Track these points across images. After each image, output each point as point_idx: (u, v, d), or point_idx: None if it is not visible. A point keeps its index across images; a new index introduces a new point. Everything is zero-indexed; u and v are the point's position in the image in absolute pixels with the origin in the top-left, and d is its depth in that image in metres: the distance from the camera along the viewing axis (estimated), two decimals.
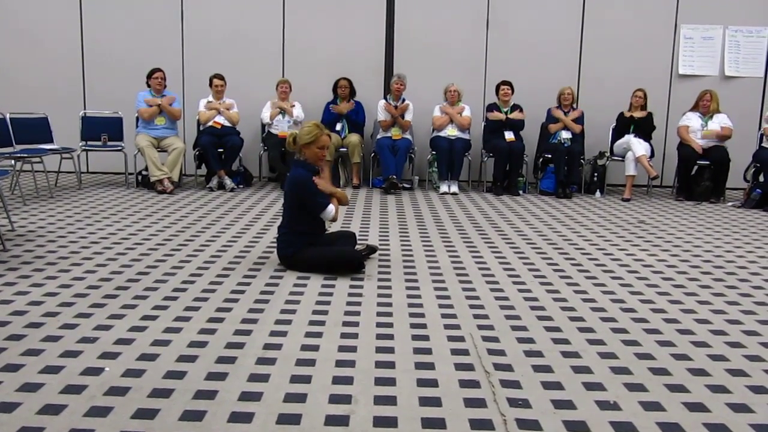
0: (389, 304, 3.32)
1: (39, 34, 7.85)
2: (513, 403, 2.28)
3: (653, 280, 3.90)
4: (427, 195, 7.06)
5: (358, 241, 4.33)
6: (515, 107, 7.40)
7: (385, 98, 7.53)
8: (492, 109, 7.39)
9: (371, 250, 4.27)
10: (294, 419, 2.13)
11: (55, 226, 4.94)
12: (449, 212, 6.01)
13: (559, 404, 2.28)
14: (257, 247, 4.48)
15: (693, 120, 7.12)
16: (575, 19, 7.83)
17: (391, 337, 2.88)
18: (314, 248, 3.90)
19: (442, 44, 7.85)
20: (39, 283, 3.51)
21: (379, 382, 2.42)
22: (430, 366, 2.58)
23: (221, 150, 7.03)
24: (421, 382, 2.42)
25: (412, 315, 3.17)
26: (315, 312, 3.18)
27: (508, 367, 2.58)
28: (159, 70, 7.01)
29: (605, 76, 7.85)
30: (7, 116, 6.41)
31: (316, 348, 2.73)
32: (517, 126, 7.31)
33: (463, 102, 7.44)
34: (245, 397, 2.28)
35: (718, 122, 7.04)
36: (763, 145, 6.92)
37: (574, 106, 7.47)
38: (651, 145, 7.19)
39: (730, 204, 6.79)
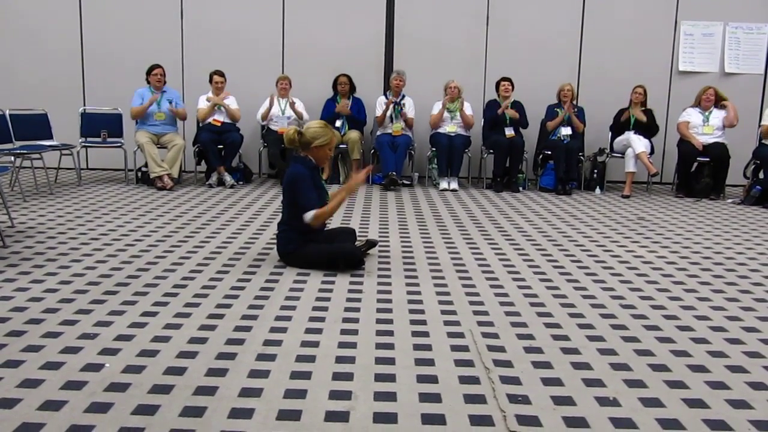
0: (389, 301, 3.32)
1: (39, 30, 7.83)
2: (513, 399, 2.29)
3: (653, 276, 3.90)
4: (427, 191, 7.06)
5: (358, 238, 4.33)
6: (516, 104, 7.39)
7: (385, 95, 7.53)
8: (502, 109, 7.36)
9: (371, 244, 4.27)
10: (294, 415, 2.14)
11: (54, 223, 4.94)
12: (449, 209, 6.01)
13: (558, 400, 2.29)
14: (257, 244, 4.48)
15: (693, 116, 7.12)
16: (575, 16, 7.82)
17: (390, 333, 2.88)
18: (314, 245, 3.90)
19: (442, 40, 7.84)
20: (39, 280, 3.51)
21: (379, 378, 2.42)
22: (430, 362, 2.58)
23: (221, 146, 7.03)
24: (421, 378, 2.43)
25: (411, 311, 3.17)
26: (315, 308, 3.19)
27: (507, 364, 2.58)
28: (158, 66, 6.99)
29: (605, 72, 7.84)
30: (7, 112, 6.40)
31: (316, 344, 2.73)
32: (519, 123, 7.31)
33: (463, 98, 7.42)
34: (245, 393, 2.28)
35: (719, 117, 7.03)
36: (763, 141, 6.92)
37: (574, 102, 7.46)
38: (651, 141, 7.19)
39: (729, 201, 6.79)
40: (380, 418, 2.13)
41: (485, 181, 7.52)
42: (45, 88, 7.80)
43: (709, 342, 2.88)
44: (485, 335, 2.88)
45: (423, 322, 3.02)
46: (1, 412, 2.11)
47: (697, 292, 3.60)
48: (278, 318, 3.04)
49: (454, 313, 3.17)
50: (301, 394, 2.29)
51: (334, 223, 5.07)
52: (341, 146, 7.36)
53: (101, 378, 2.36)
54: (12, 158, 6.15)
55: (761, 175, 6.79)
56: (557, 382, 2.43)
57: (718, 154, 6.89)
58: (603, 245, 4.67)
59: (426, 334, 2.88)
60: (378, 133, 7.46)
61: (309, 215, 3.80)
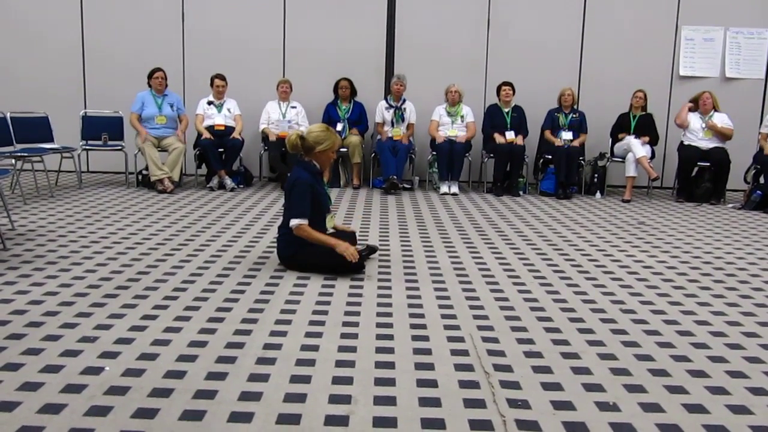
0: (389, 305, 3.32)
1: (40, 33, 7.85)
2: (512, 403, 2.29)
3: (653, 281, 3.90)
4: (428, 195, 7.06)
5: (359, 241, 4.33)
6: (517, 109, 7.40)
7: (386, 99, 7.54)
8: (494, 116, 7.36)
9: (371, 250, 4.27)
10: (294, 419, 2.14)
11: (55, 226, 4.95)
12: (449, 213, 6.01)
13: (558, 405, 2.28)
14: (257, 247, 4.48)
15: (693, 120, 7.12)
16: (576, 20, 7.83)
17: (390, 337, 2.88)
18: (314, 248, 3.89)
19: (443, 45, 7.85)
20: (39, 282, 3.51)
21: (379, 382, 2.42)
22: (430, 366, 2.58)
23: (221, 150, 7.04)
24: (421, 383, 2.43)
25: (412, 315, 3.17)
26: (315, 312, 3.18)
27: (507, 368, 2.58)
28: (160, 69, 7.01)
29: (606, 77, 7.86)
30: (8, 115, 6.41)
31: (315, 348, 2.73)
32: (519, 129, 7.33)
33: (464, 102, 7.44)
34: (245, 396, 2.28)
35: (719, 121, 7.04)
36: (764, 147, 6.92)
37: (575, 107, 7.47)
38: (651, 146, 7.20)
39: (730, 206, 6.79)
40: (380, 422, 2.13)
41: (486, 185, 7.53)
42: (46, 91, 7.82)
43: (709, 347, 2.87)
44: (485, 339, 2.88)
45: (423, 327, 3.02)
46: (0, 415, 2.11)
47: (697, 297, 3.60)
48: (278, 322, 3.04)
49: (454, 317, 3.17)
50: (300, 398, 2.28)
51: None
52: (342, 150, 7.37)
53: (101, 381, 2.36)
54: (13, 161, 6.16)
55: (762, 180, 6.79)
56: (557, 386, 2.43)
57: (719, 158, 6.89)
58: (603, 250, 4.67)
59: (426, 339, 2.87)
60: (378, 137, 7.46)
61: (295, 222, 3.80)
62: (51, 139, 6.83)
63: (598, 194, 7.28)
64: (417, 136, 7.65)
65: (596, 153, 7.54)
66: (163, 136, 6.95)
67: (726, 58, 7.88)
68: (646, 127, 7.21)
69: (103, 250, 4.25)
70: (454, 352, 2.73)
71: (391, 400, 2.28)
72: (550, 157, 7.28)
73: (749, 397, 2.39)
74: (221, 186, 7.01)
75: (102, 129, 7.14)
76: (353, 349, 2.73)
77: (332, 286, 3.60)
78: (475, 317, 3.17)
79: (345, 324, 3.03)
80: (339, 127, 7.40)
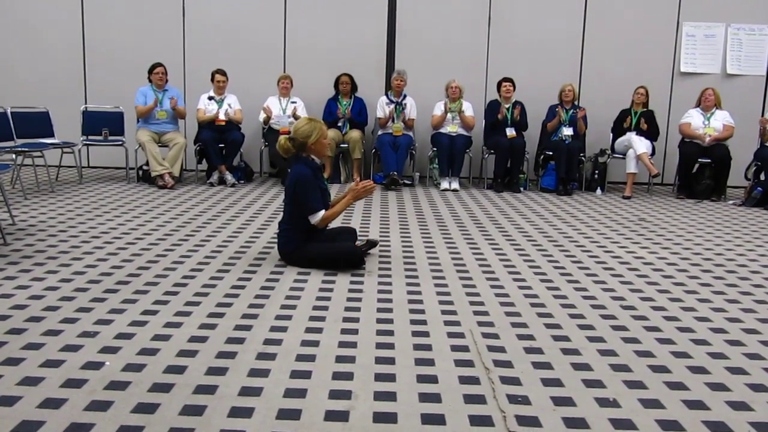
0: (389, 300, 3.32)
1: (40, 28, 7.84)
2: (513, 399, 2.29)
3: (653, 277, 3.90)
4: (428, 191, 7.06)
5: (359, 237, 4.33)
6: (517, 104, 7.39)
7: (386, 95, 7.52)
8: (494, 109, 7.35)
9: (371, 244, 4.28)
10: (294, 414, 2.14)
11: (55, 221, 4.95)
12: (450, 209, 6.01)
13: (558, 401, 2.28)
14: (258, 243, 4.48)
15: (695, 117, 7.11)
16: (577, 16, 7.81)
17: (391, 333, 2.88)
18: (315, 244, 3.90)
19: (444, 40, 7.83)
20: (39, 277, 3.51)
21: (379, 377, 2.42)
22: (430, 362, 2.58)
23: (222, 145, 7.03)
24: (421, 378, 2.43)
25: (412, 311, 3.17)
26: (315, 308, 3.19)
27: (507, 364, 2.58)
28: (160, 65, 7.00)
29: (607, 73, 7.84)
30: (8, 110, 6.41)
31: (316, 343, 2.73)
32: (519, 125, 7.31)
33: (464, 98, 7.42)
34: (245, 392, 2.28)
35: (721, 119, 7.03)
36: (764, 143, 6.91)
37: (576, 103, 7.45)
38: (652, 143, 7.19)
39: (730, 202, 6.79)
40: (380, 417, 2.13)
41: (486, 181, 7.52)
42: (46, 86, 7.80)
43: (710, 343, 2.88)
44: (485, 335, 2.88)
45: (423, 322, 3.02)
46: (1, 409, 2.11)
47: (698, 294, 3.60)
48: (278, 317, 3.04)
49: (454, 313, 3.17)
50: (301, 393, 2.29)
51: (335, 222, 5.06)
52: (342, 145, 7.37)
53: (101, 376, 2.36)
54: (13, 156, 6.15)
55: (762, 177, 6.78)
56: (557, 382, 2.43)
57: (720, 155, 6.89)
58: (604, 246, 4.67)
59: (426, 334, 2.88)
60: (379, 132, 7.46)
61: (317, 217, 3.83)
62: (51, 134, 6.83)
63: (598, 191, 7.28)
64: (417, 132, 7.65)
65: (597, 149, 7.54)
66: (164, 131, 6.95)
67: (727, 54, 7.87)
68: (647, 124, 7.19)
69: (103, 246, 4.25)
70: (455, 348, 2.73)
71: (391, 396, 2.28)
72: (550, 153, 7.27)
73: (749, 394, 2.39)
74: (222, 181, 7.00)
75: (102, 124, 7.13)
76: (353, 345, 2.73)
77: (332, 282, 3.60)
78: (476, 313, 3.17)
79: (345, 320, 3.03)
80: (339, 123, 7.39)
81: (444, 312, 3.17)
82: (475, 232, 5.00)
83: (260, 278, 3.65)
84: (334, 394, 2.28)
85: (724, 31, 7.84)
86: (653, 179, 7.31)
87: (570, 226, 5.34)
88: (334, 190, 6.72)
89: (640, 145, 7.01)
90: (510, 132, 7.24)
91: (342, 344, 2.73)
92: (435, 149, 7.41)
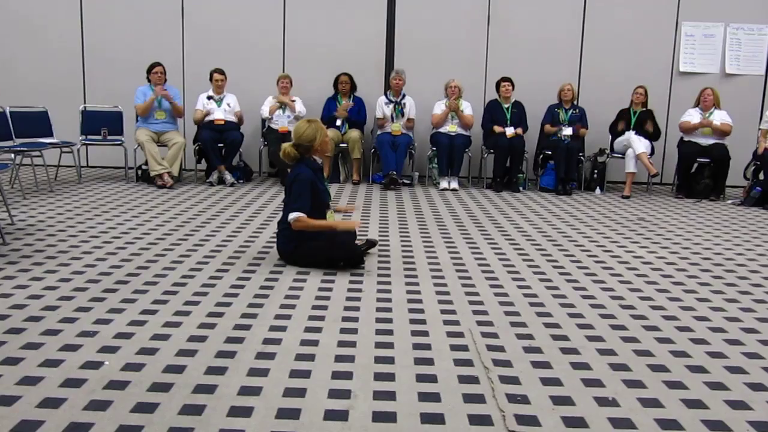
0: (389, 300, 3.32)
1: (39, 27, 7.83)
2: (512, 398, 2.29)
3: (652, 277, 3.90)
4: (427, 191, 7.06)
5: (358, 236, 4.33)
6: (516, 105, 7.39)
7: (386, 94, 7.52)
8: (493, 108, 7.35)
9: (370, 244, 4.28)
10: (293, 414, 2.14)
11: (54, 220, 4.94)
12: (449, 208, 6.01)
13: (557, 400, 2.29)
14: (257, 242, 4.48)
15: (694, 116, 7.12)
16: (576, 16, 7.81)
17: (390, 332, 2.88)
18: (314, 243, 3.89)
19: (443, 40, 7.83)
20: (38, 277, 3.51)
21: (379, 377, 2.43)
22: (430, 361, 2.58)
23: (221, 145, 7.03)
24: (421, 378, 2.43)
25: (411, 311, 3.17)
26: (314, 307, 3.19)
27: (507, 363, 2.58)
28: (159, 64, 6.99)
29: (606, 73, 7.84)
30: (7, 110, 6.40)
31: (315, 343, 2.73)
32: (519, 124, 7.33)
33: (463, 98, 7.42)
34: (245, 391, 2.28)
35: (719, 119, 7.04)
36: (765, 145, 6.91)
37: (575, 102, 7.46)
38: (651, 142, 7.19)
39: (729, 202, 6.79)
40: (379, 417, 2.14)
41: (485, 180, 7.52)
42: (45, 86, 7.80)
43: (709, 343, 2.88)
44: (485, 335, 2.88)
45: (422, 322, 3.02)
46: (0, 409, 2.11)
47: (697, 293, 3.60)
48: (278, 317, 3.04)
49: (453, 312, 3.17)
50: (300, 392, 2.29)
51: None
52: (341, 145, 7.37)
53: (100, 376, 2.36)
54: (12, 155, 6.15)
55: (761, 176, 6.78)
56: (556, 382, 2.43)
57: (719, 154, 6.89)
58: (603, 245, 4.67)
59: (425, 334, 2.88)
60: (378, 132, 7.45)
61: (293, 215, 3.79)
62: (50, 134, 6.82)
63: (597, 190, 7.28)
64: (417, 131, 7.64)
65: (596, 149, 7.54)
66: (163, 131, 6.94)
67: (726, 54, 7.87)
68: (646, 123, 7.20)
69: (102, 245, 4.25)
70: (454, 348, 2.73)
71: (390, 395, 2.28)
72: (549, 152, 7.28)
73: (748, 393, 2.39)
74: (221, 181, 7.00)
75: (101, 124, 7.12)
76: (353, 344, 2.73)
77: (332, 282, 3.60)
78: (475, 312, 3.17)
79: (344, 319, 3.03)
80: (338, 122, 7.39)
81: (443, 311, 3.18)
82: (474, 232, 5.00)
83: (260, 278, 3.65)
84: (334, 394, 2.28)
85: (723, 30, 7.84)
86: (652, 179, 7.32)
87: (569, 226, 5.34)
88: (332, 191, 6.72)
89: (639, 144, 7.02)
90: (510, 131, 7.24)
91: (341, 344, 2.73)
92: (434, 149, 7.41)
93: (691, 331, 3.01)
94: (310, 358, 2.58)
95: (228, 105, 7.19)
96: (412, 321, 3.03)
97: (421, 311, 3.17)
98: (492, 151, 7.31)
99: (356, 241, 4.19)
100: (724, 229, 5.37)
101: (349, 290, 3.47)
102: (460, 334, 2.88)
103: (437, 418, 2.14)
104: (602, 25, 7.81)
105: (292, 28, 7.86)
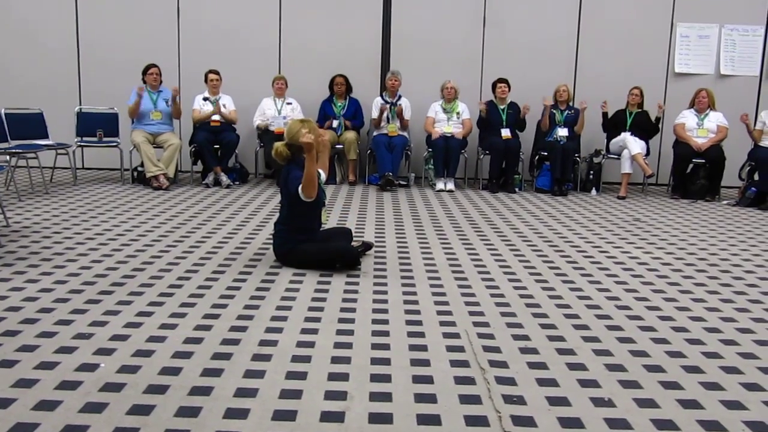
0: (385, 301, 3.32)
1: (34, 29, 7.81)
2: (508, 399, 2.29)
3: (648, 277, 3.91)
4: (423, 192, 7.06)
5: (354, 238, 4.33)
6: (512, 106, 7.40)
7: (381, 95, 7.53)
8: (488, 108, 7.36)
9: (367, 247, 4.28)
10: (289, 415, 2.14)
11: (50, 222, 4.93)
12: (445, 209, 6.02)
13: (553, 401, 2.29)
14: (253, 244, 4.47)
15: (689, 118, 7.14)
16: (572, 17, 7.83)
17: (386, 333, 2.88)
18: (310, 245, 3.89)
19: (439, 41, 7.84)
20: (34, 279, 3.50)
21: (375, 378, 2.42)
22: (426, 363, 2.58)
23: (217, 146, 7.02)
24: (417, 379, 2.43)
25: (407, 312, 3.17)
26: (311, 308, 3.18)
27: (503, 364, 2.59)
28: (154, 65, 6.99)
29: (601, 74, 7.86)
30: (2, 111, 6.38)
31: (311, 344, 2.73)
32: (517, 125, 7.33)
33: (459, 99, 7.43)
34: (240, 393, 2.28)
35: (714, 120, 7.06)
36: (758, 144, 6.94)
37: (571, 104, 7.47)
38: (647, 143, 7.21)
39: (725, 202, 6.81)
40: (376, 418, 2.13)
41: (481, 181, 7.53)
42: (41, 87, 7.78)
43: (704, 343, 2.88)
44: (481, 336, 2.88)
45: (419, 323, 3.03)
46: None
47: (692, 294, 3.61)
48: (274, 318, 3.04)
49: (449, 313, 3.17)
50: (296, 394, 2.28)
51: (330, 223, 5.07)
52: (338, 146, 7.37)
53: (96, 378, 2.36)
54: (7, 157, 6.13)
55: (756, 177, 6.81)
56: (552, 382, 2.43)
57: (714, 155, 6.91)
58: (599, 246, 4.68)
59: (422, 335, 2.88)
60: (374, 133, 7.46)
61: (300, 191, 3.72)
62: (46, 136, 6.81)
63: (593, 191, 7.30)
64: (413, 132, 7.65)
65: (592, 150, 7.56)
66: (159, 132, 6.93)
67: (721, 55, 7.90)
68: (642, 125, 7.22)
69: (98, 247, 4.24)
70: (450, 349, 2.73)
71: (386, 396, 2.28)
72: (545, 153, 7.29)
73: (744, 393, 2.40)
74: (217, 182, 6.99)
75: (97, 125, 7.11)
76: (349, 346, 2.73)
77: (328, 283, 3.60)
78: (471, 313, 3.17)
79: (341, 320, 3.03)
80: (335, 124, 7.40)
81: (439, 312, 3.18)
82: (470, 233, 5.01)
83: (256, 279, 3.64)
84: (330, 395, 2.28)
85: (718, 31, 7.87)
86: (648, 179, 7.34)
87: (565, 227, 5.35)
88: (330, 191, 6.72)
89: (634, 145, 7.03)
90: (505, 133, 7.25)
91: (337, 345, 2.73)
92: (430, 150, 7.41)
93: (687, 332, 3.01)
94: (306, 359, 2.58)
95: (223, 106, 7.18)
96: (408, 322, 3.03)
97: (418, 312, 3.17)
98: (488, 152, 7.32)
99: (352, 242, 4.20)
100: (720, 230, 5.39)
101: (345, 291, 3.46)
102: (456, 335, 2.88)
103: (433, 419, 2.14)
104: (598, 25, 7.83)
105: (287, 28, 7.86)
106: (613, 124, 7.36)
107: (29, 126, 6.73)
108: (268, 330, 2.88)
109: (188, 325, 2.92)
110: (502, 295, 3.48)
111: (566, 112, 7.36)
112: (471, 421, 2.14)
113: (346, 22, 7.84)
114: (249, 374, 2.43)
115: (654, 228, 5.40)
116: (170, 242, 4.44)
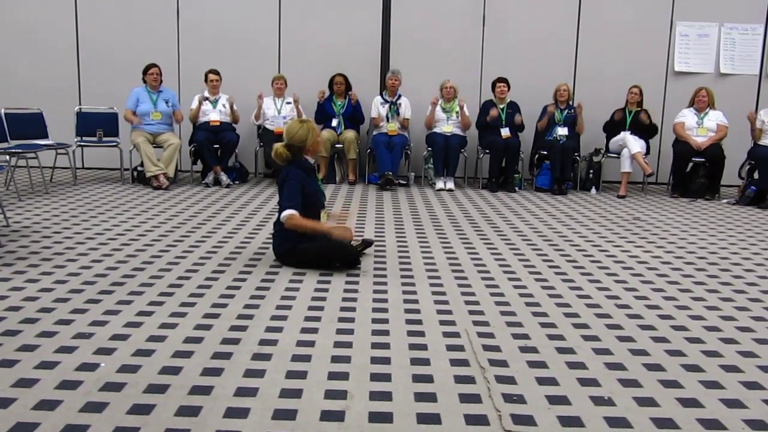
0: (385, 300, 3.32)
1: (34, 28, 7.81)
2: (508, 398, 2.29)
3: (648, 276, 3.91)
4: (423, 191, 7.06)
5: (354, 237, 4.33)
6: (512, 105, 7.40)
7: (381, 94, 7.53)
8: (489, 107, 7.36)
9: (366, 244, 4.27)
10: (289, 414, 2.14)
11: (50, 222, 4.93)
12: (445, 209, 6.02)
13: (553, 400, 2.29)
14: (253, 243, 4.47)
15: (689, 117, 7.14)
16: (571, 16, 7.83)
17: (386, 332, 2.88)
18: (310, 243, 3.89)
19: (439, 40, 7.84)
20: (34, 279, 3.50)
21: (375, 377, 2.43)
22: (426, 362, 2.58)
23: (217, 146, 7.02)
24: (417, 378, 2.43)
25: (407, 311, 3.18)
26: (310, 308, 3.19)
27: (503, 363, 2.59)
28: (154, 65, 6.99)
29: (601, 72, 7.86)
30: (2, 111, 6.38)
31: (311, 343, 2.73)
32: (515, 127, 7.33)
33: (459, 98, 7.42)
34: (241, 392, 2.28)
35: (714, 119, 7.06)
36: (757, 142, 6.94)
37: (570, 103, 7.47)
38: (647, 142, 7.21)
39: (724, 201, 6.81)
40: (376, 417, 2.14)
41: (481, 181, 7.53)
42: (40, 87, 7.78)
43: (704, 342, 2.89)
44: (481, 335, 2.89)
45: (419, 322, 3.03)
46: None
47: (692, 292, 3.61)
48: (274, 317, 3.04)
49: (449, 312, 3.17)
50: (296, 393, 2.29)
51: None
52: (337, 146, 7.37)
53: (96, 377, 2.36)
54: (7, 157, 6.13)
55: (756, 176, 6.81)
56: (552, 381, 2.44)
57: (714, 154, 6.91)
58: (598, 245, 4.68)
59: (422, 334, 2.88)
60: (374, 132, 7.46)
61: (286, 213, 3.77)
62: (45, 136, 6.80)
63: (593, 190, 7.30)
64: (412, 131, 7.65)
65: (591, 149, 7.56)
66: (158, 132, 6.93)
67: (720, 53, 7.89)
68: (642, 123, 7.22)
69: (98, 247, 4.24)
70: (450, 348, 2.73)
71: (386, 396, 2.28)
72: (545, 152, 7.29)
73: (743, 392, 2.40)
74: (217, 182, 6.99)
75: (97, 125, 7.11)
76: (349, 345, 2.73)
77: (328, 282, 3.60)
78: (471, 312, 3.18)
79: (341, 320, 3.03)
80: (334, 123, 7.40)
81: (439, 311, 3.18)
82: (470, 232, 5.01)
83: (255, 279, 3.64)
84: (330, 394, 2.28)
85: (718, 30, 7.86)
86: (647, 178, 7.34)
87: (565, 226, 5.35)
88: (329, 191, 6.72)
89: (634, 144, 7.03)
90: (505, 132, 7.25)
91: (337, 344, 2.74)
92: (430, 149, 7.41)
93: (687, 330, 3.02)
94: (307, 358, 2.58)
95: (223, 106, 7.18)
96: (408, 321, 3.03)
97: (417, 311, 3.17)
98: (488, 151, 7.32)
99: (352, 241, 4.20)
100: (719, 229, 5.39)
101: (345, 291, 3.47)
102: (456, 334, 2.88)
103: (433, 419, 2.14)
104: (597, 25, 7.82)
105: (287, 28, 7.86)
106: (612, 124, 7.36)
107: (29, 126, 6.73)
108: (268, 329, 2.88)
109: (188, 324, 2.92)
110: (501, 294, 3.48)
111: (566, 111, 7.35)
112: (471, 420, 2.14)
113: (345, 21, 7.83)
114: (249, 373, 2.43)
115: (654, 227, 5.40)
116: (170, 242, 4.44)
